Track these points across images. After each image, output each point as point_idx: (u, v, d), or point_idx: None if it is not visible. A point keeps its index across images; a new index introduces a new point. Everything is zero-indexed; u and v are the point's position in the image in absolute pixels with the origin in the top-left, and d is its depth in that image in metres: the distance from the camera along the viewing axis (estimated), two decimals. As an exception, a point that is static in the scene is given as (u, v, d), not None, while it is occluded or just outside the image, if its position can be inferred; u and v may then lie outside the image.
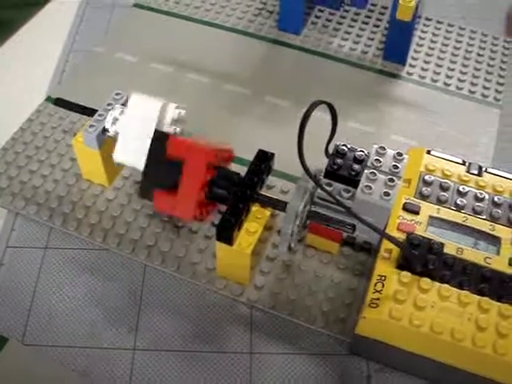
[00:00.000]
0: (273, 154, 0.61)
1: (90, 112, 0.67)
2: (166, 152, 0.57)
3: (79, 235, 0.66)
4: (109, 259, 0.64)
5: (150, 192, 0.59)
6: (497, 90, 0.84)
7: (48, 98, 0.80)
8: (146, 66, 0.85)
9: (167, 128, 0.60)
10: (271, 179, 0.70)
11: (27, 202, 0.68)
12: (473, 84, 0.85)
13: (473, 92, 0.84)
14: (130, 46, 0.88)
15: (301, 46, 0.89)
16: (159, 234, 0.66)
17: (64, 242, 0.66)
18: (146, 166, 0.59)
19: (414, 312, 0.51)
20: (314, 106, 0.52)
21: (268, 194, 0.60)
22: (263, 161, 0.61)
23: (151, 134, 0.59)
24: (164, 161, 0.57)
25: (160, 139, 0.58)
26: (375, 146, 0.61)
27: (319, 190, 0.58)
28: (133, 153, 0.60)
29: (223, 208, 0.58)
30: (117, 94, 0.67)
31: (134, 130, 0.60)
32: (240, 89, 0.83)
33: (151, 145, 0.58)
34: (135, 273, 0.63)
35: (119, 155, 0.61)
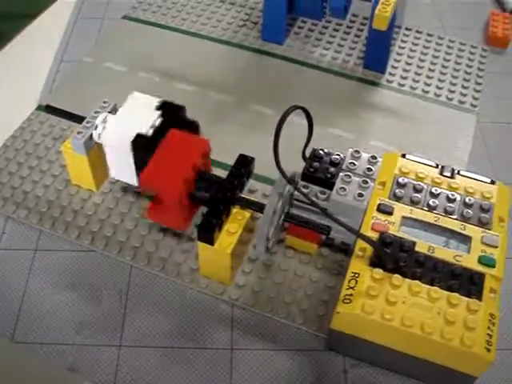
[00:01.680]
0: (253, 159, 0.64)
1: (78, 119, 0.69)
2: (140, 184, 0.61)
3: (68, 238, 0.68)
4: (96, 260, 0.66)
5: None
6: (473, 97, 0.87)
7: (39, 107, 0.82)
8: (134, 75, 0.88)
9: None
10: (254, 183, 0.73)
11: (18, 206, 0.70)
12: (450, 91, 0.88)
13: (450, 99, 0.87)
14: (118, 56, 0.90)
15: (284, 56, 0.92)
16: (145, 236, 0.68)
17: (53, 245, 0.68)
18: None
19: (385, 307, 0.53)
20: (289, 110, 0.54)
21: (247, 197, 0.62)
22: (243, 165, 0.63)
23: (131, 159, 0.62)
24: None
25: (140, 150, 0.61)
26: (350, 150, 0.64)
27: (296, 192, 0.60)
28: (124, 171, 0.63)
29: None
30: (104, 102, 0.69)
31: (117, 151, 0.63)
32: (225, 97, 0.85)
33: (135, 157, 0.62)
34: (121, 273, 0.65)
35: (114, 174, 0.65)
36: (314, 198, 0.60)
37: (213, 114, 0.82)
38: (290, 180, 0.55)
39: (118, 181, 0.72)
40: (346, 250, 0.67)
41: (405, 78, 0.89)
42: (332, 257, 0.67)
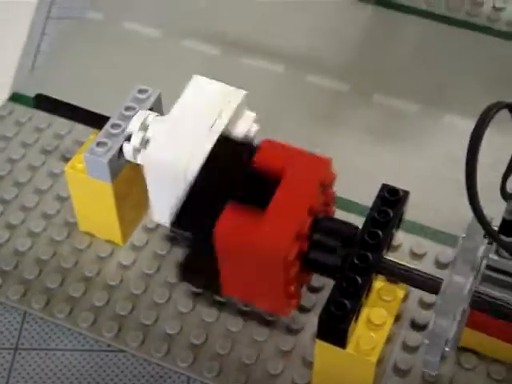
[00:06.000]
0: (406, 193, 0.62)
1: (93, 119, 0.69)
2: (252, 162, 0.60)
3: (74, 327, 0.67)
4: (126, 367, 0.65)
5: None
6: None
7: (14, 97, 0.83)
8: (175, 45, 0.88)
9: None
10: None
11: (-18, 270, 0.70)
12: None
13: None
14: (147, 12, 0.91)
15: (429, 12, 0.92)
16: (211, 326, 0.66)
17: (48, 339, 0.67)
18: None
19: None
20: (492, 110, 0.51)
21: (403, 262, 0.60)
22: (391, 204, 0.61)
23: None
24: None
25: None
26: None
27: (494, 257, 0.58)
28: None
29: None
30: (141, 92, 0.68)
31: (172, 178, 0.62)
32: (333, 83, 0.85)
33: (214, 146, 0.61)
34: (172, 391, 0.64)
35: (158, 216, 0.65)
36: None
37: (314, 112, 0.82)
38: (501, 242, 0.53)
39: (159, 227, 0.72)
40: None
41: None
42: (542, 369, 0.65)
